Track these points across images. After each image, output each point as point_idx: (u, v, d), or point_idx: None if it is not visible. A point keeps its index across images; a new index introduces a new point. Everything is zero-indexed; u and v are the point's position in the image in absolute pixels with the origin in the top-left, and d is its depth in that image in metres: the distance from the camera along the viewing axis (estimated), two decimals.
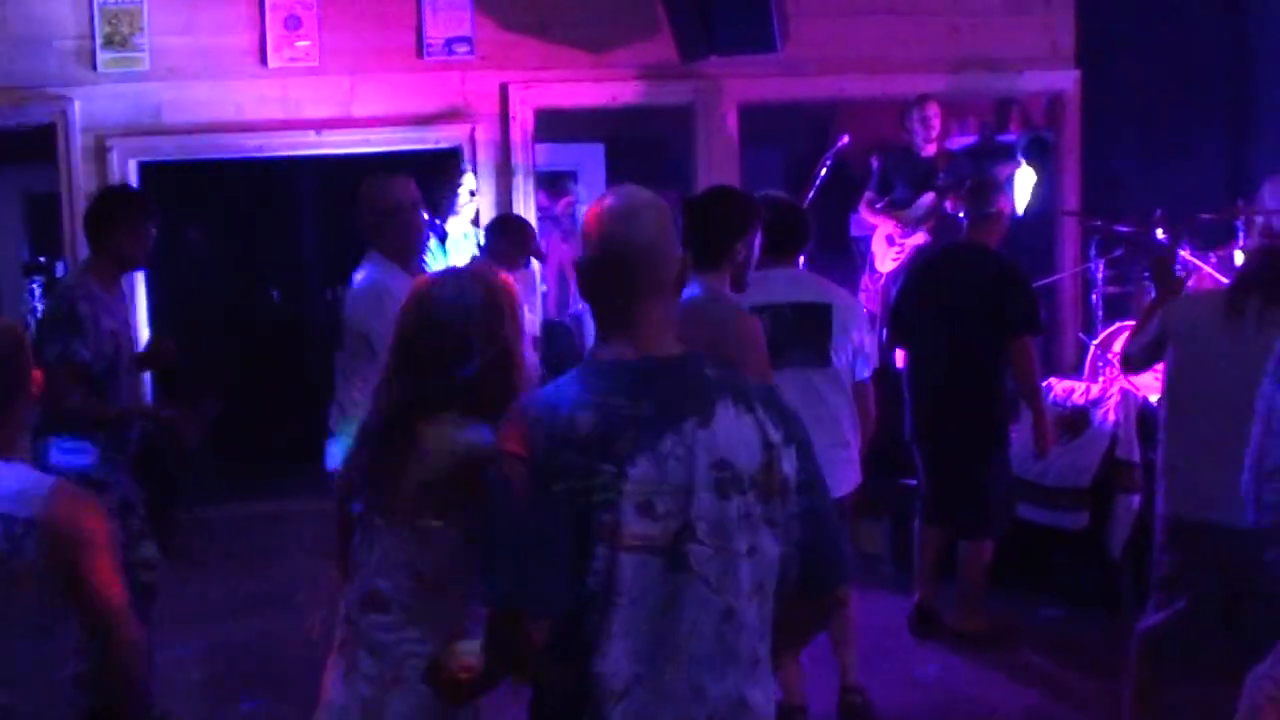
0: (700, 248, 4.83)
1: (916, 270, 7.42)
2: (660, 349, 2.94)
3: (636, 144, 11.49)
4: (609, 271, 2.95)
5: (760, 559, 2.91)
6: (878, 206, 9.87)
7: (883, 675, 6.54)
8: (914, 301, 7.13)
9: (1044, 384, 7.72)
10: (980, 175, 7.89)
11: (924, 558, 7.40)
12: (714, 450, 2.85)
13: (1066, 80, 10.34)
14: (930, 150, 9.76)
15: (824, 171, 9.48)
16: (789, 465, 2.94)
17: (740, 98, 9.79)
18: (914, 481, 7.51)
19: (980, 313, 6.95)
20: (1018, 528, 7.35)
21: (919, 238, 9.68)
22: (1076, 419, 7.47)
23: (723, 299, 5.01)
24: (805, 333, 5.87)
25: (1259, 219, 8.76)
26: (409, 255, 6.06)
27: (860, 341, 5.98)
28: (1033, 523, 7.54)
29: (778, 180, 10.43)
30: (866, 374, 6.04)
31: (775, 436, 2.92)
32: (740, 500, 2.87)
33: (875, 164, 10.02)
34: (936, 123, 9.65)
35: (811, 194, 9.36)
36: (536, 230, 8.73)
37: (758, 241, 5.20)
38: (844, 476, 5.87)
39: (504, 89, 9.48)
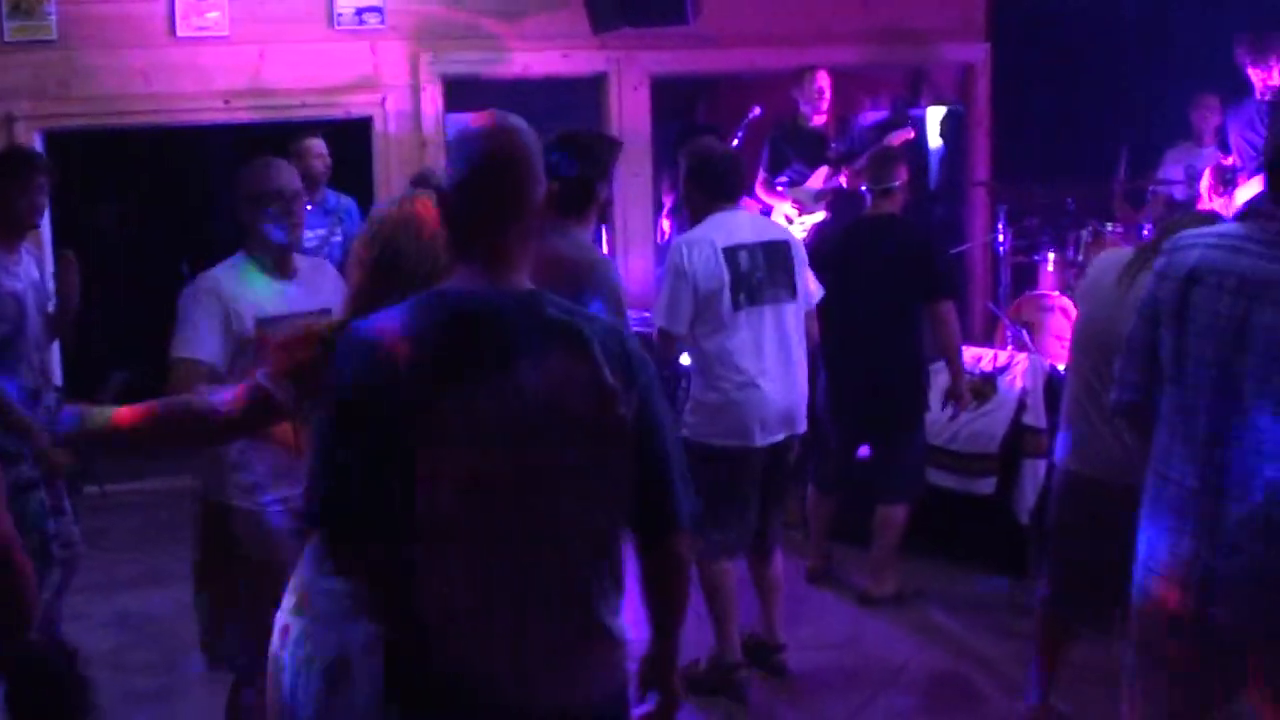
0: (564, 191, 4.92)
1: (824, 246, 7.47)
2: (509, 283, 2.86)
3: (548, 115, 11.46)
4: (475, 191, 2.86)
5: (594, 505, 2.86)
6: (778, 185, 9.82)
7: (793, 637, 6.60)
8: (826, 278, 7.21)
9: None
10: (878, 148, 7.95)
11: (818, 525, 7.59)
12: (548, 390, 2.78)
13: (977, 52, 10.44)
14: (819, 121, 9.77)
15: (735, 144, 9.50)
16: (626, 409, 2.86)
17: (652, 69, 9.82)
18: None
19: (896, 282, 7.04)
20: (928, 493, 7.45)
21: (818, 216, 9.68)
22: (984, 386, 7.55)
23: (585, 246, 5.07)
24: (776, 269, 6.09)
25: (1160, 189, 8.93)
26: (271, 255, 4.86)
27: (807, 275, 6.29)
28: (943, 488, 7.63)
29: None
30: (814, 304, 6.34)
31: (612, 380, 2.84)
32: (574, 443, 2.81)
33: (766, 141, 9.92)
34: (827, 94, 9.64)
35: None
36: None
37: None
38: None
39: (415, 59, 9.46)
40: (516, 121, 2.92)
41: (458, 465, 2.72)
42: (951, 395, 7.19)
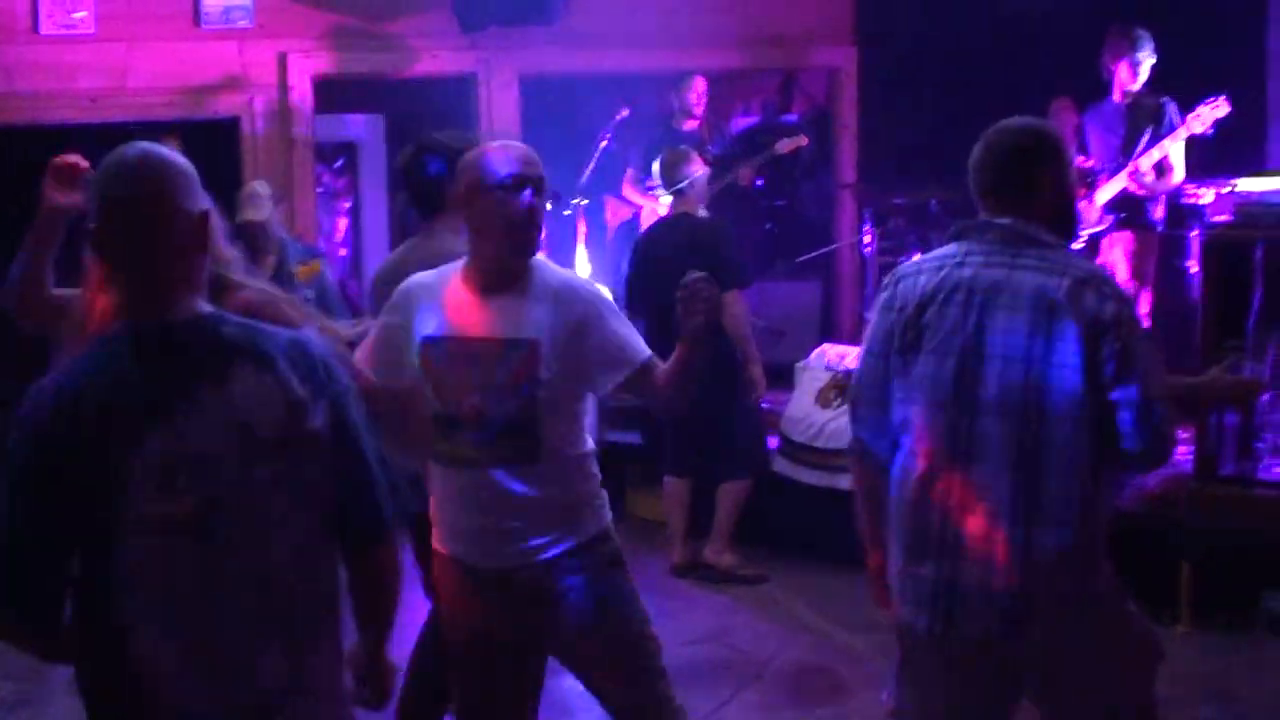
0: (430, 193, 4.90)
1: (637, 248, 7.93)
2: (175, 311, 2.78)
3: (418, 116, 11.46)
4: (113, 223, 2.79)
5: (295, 522, 2.81)
6: (647, 185, 9.87)
7: (659, 632, 6.64)
8: (640, 275, 7.63)
9: (819, 348, 8.00)
10: (668, 154, 8.11)
11: (676, 512, 7.77)
12: (233, 413, 2.73)
13: (844, 57, 10.57)
14: (693, 126, 9.86)
15: (604, 144, 9.56)
16: (319, 421, 2.82)
17: (522, 69, 9.84)
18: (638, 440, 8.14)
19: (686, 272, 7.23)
20: (789, 489, 7.59)
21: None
22: (848, 383, 7.67)
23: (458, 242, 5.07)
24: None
25: None
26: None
27: None
28: (808, 485, 7.74)
29: (561, 154, 10.50)
30: None
31: (301, 392, 2.79)
32: (266, 464, 2.76)
33: (639, 144, 9.98)
34: (702, 100, 9.77)
35: (591, 165, 9.46)
36: (318, 206, 8.67)
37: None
38: None
39: (282, 58, 9.39)
40: (154, 154, 2.83)
41: (153, 507, 2.67)
42: (746, 383, 7.49)
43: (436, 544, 4.11)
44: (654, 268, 7.47)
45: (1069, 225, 3.80)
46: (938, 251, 3.78)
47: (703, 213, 7.80)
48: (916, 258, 3.92)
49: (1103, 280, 3.58)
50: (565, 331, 3.91)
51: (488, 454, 3.91)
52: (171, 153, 2.85)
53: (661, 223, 7.87)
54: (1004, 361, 3.53)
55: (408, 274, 4.23)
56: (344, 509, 2.90)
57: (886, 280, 3.87)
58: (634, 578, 6.31)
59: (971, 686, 3.76)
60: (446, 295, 4.00)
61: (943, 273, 3.66)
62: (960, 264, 3.65)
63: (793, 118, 11.92)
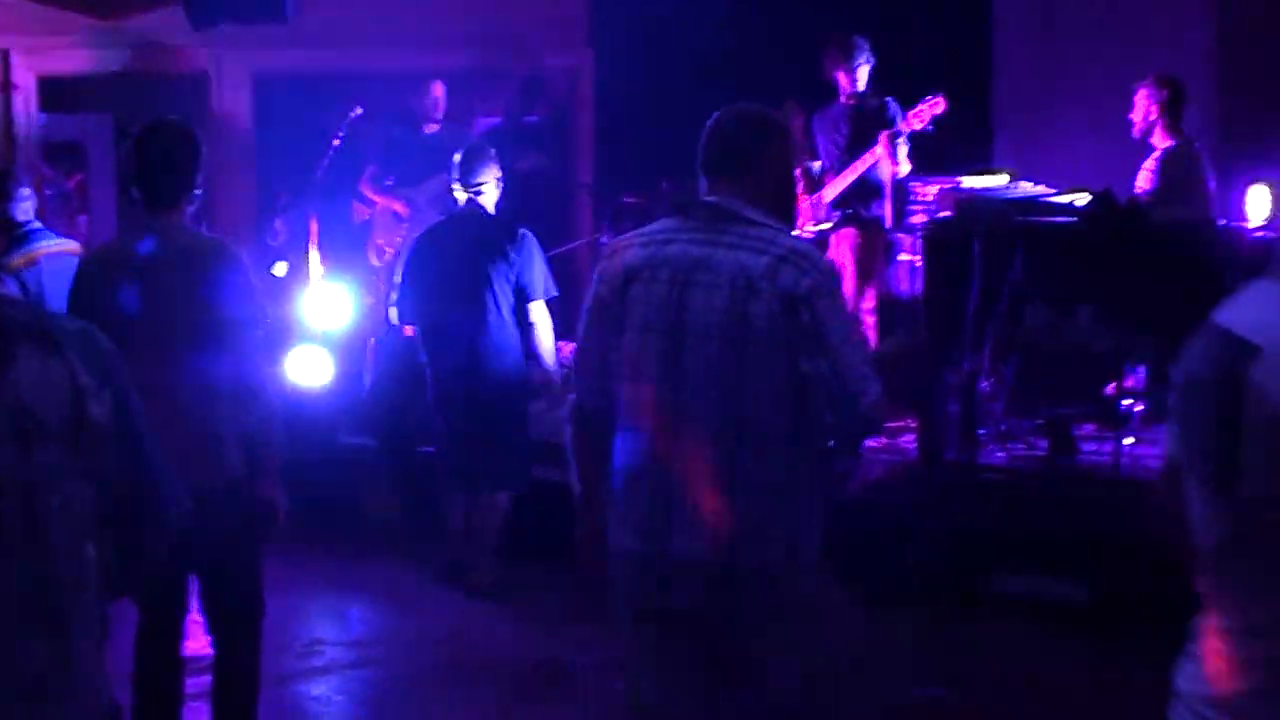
0: (153, 186, 4.79)
1: (420, 245, 7.57)
2: None
3: (149, 115, 11.21)
4: None
5: (74, 513, 2.72)
6: (387, 185, 9.86)
7: (398, 634, 6.63)
8: (423, 275, 7.31)
9: (556, 346, 8.00)
10: (469, 147, 8.05)
11: (454, 520, 7.60)
12: (15, 398, 2.63)
13: (580, 58, 10.64)
14: (433, 129, 9.83)
15: (337, 143, 9.48)
16: (100, 410, 2.74)
17: (255, 68, 9.70)
18: (430, 449, 7.73)
19: (489, 275, 7.15)
20: (543, 488, 7.60)
21: (432, 216, 9.67)
22: None
23: (191, 231, 4.93)
24: None
25: None
26: None
27: None
28: (551, 481, 7.75)
29: (293, 153, 10.40)
30: None
31: (86, 380, 2.71)
32: (46, 451, 2.67)
33: (380, 141, 9.92)
34: (440, 104, 9.74)
35: (325, 164, 9.37)
36: (44, 206, 8.38)
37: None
38: None
39: (5, 55, 9.12)
40: None
41: None
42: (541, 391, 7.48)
43: None
44: (446, 264, 7.27)
45: (787, 207, 3.86)
46: (650, 227, 3.83)
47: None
48: (629, 234, 3.93)
49: (803, 255, 3.61)
50: None
51: None
52: None
53: (458, 220, 7.49)
54: (705, 339, 3.58)
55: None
56: (121, 501, 2.83)
57: (605, 250, 3.93)
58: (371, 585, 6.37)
59: (683, 659, 3.81)
60: None
61: (649, 249, 3.71)
62: (668, 241, 3.70)
63: (534, 119, 11.94)
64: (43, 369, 2.67)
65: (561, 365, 7.71)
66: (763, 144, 3.77)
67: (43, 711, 2.71)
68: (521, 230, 7.42)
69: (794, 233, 3.77)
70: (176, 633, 4.95)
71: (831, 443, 3.68)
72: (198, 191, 4.92)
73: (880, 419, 3.66)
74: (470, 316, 7.21)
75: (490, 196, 7.34)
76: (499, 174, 7.38)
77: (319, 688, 6.32)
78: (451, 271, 7.22)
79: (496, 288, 7.17)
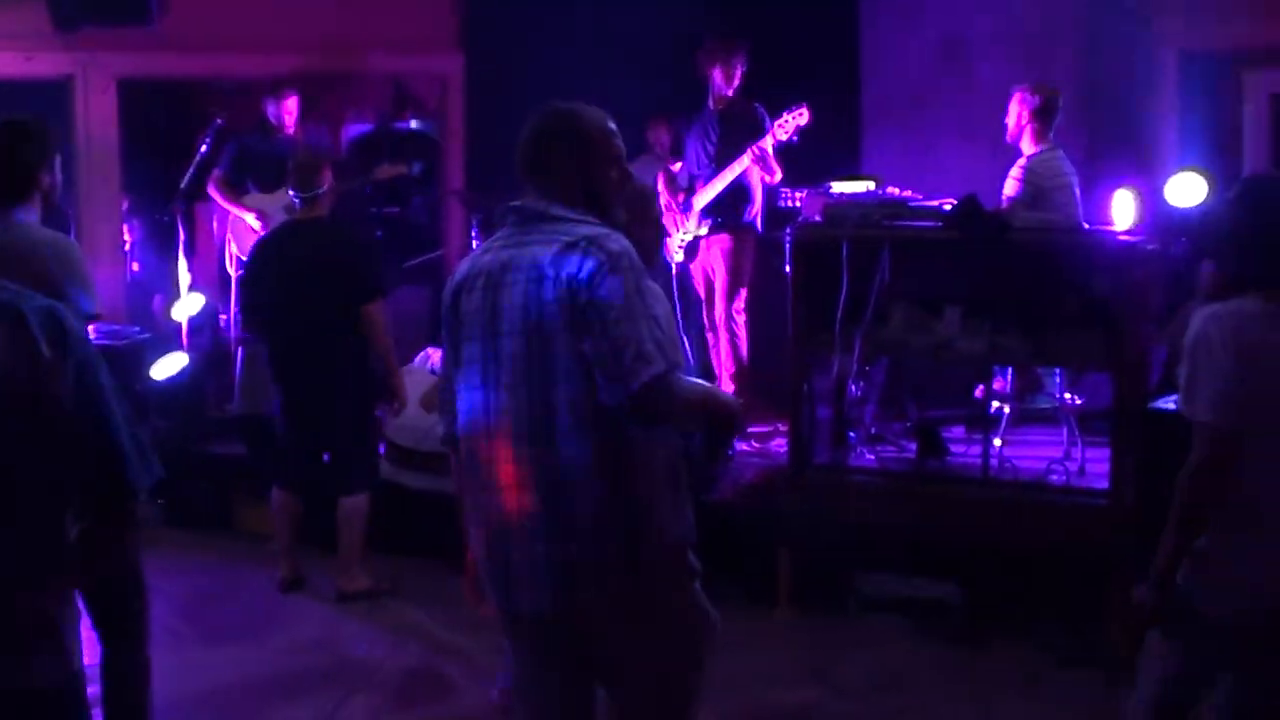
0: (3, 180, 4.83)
1: (259, 253, 7.61)
2: None
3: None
4: None
5: (33, 483, 2.85)
6: (237, 192, 9.70)
7: (267, 643, 6.55)
8: (263, 282, 7.39)
9: (423, 352, 7.99)
10: (304, 154, 8.02)
11: (285, 525, 7.57)
12: None
13: (450, 63, 10.59)
14: (285, 136, 9.73)
15: (203, 150, 9.37)
16: (63, 384, 2.87)
17: (120, 72, 9.54)
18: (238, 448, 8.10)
19: (325, 281, 7.23)
20: (396, 494, 7.56)
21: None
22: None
23: (31, 228, 4.89)
24: None
25: None
26: None
27: None
28: (411, 488, 7.72)
29: (156, 158, 10.27)
30: None
31: (49, 355, 2.85)
32: (11, 419, 2.80)
33: (232, 146, 9.72)
34: (293, 114, 9.67)
35: (190, 173, 9.27)
36: None
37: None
38: None
39: None
40: None
41: None
42: (388, 394, 7.44)
43: None
44: (286, 271, 7.29)
45: (605, 203, 3.81)
46: (495, 235, 3.82)
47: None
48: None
49: (591, 240, 3.57)
50: None
51: None
52: None
53: (296, 227, 7.52)
54: (510, 337, 3.60)
55: None
56: (91, 472, 2.94)
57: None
58: (240, 592, 6.28)
59: (545, 663, 3.82)
60: None
61: (471, 262, 3.78)
62: (486, 250, 3.76)
63: (406, 125, 11.89)
64: (9, 341, 2.81)
65: (432, 372, 7.69)
66: (560, 143, 3.77)
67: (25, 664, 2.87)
68: (353, 233, 7.65)
69: (609, 226, 3.71)
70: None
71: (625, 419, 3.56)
72: (46, 188, 4.91)
73: (657, 402, 3.50)
74: (307, 322, 7.26)
75: (324, 202, 7.41)
76: (331, 180, 7.47)
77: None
78: (287, 279, 7.27)
79: (330, 291, 7.20)
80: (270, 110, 9.64)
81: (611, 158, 3.81)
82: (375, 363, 7.35)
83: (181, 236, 9.77)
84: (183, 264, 9.73)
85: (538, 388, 3.56)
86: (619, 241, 3.60)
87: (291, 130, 9.75)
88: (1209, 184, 7.20)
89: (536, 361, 3.56)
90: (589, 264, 3.50)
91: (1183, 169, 7.50)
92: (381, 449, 7.90)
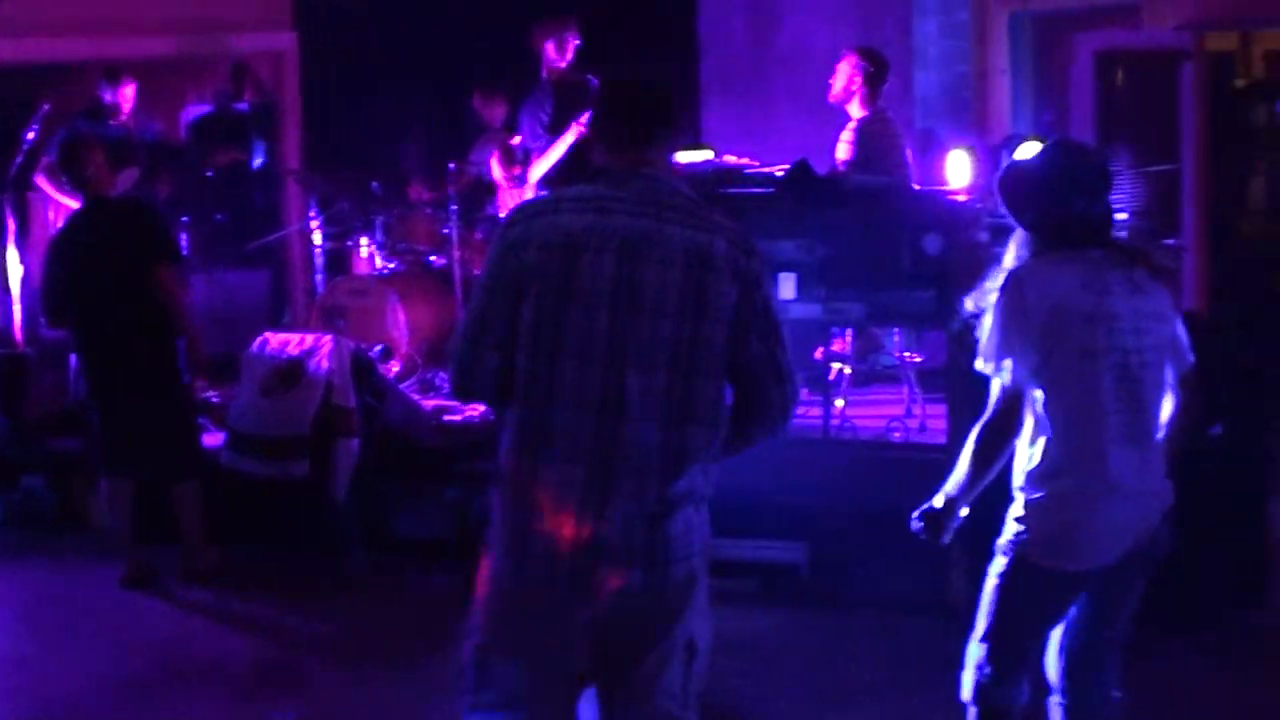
0: None
1: (59, 242, 7.49)
2: None
3: None
4: None
5: None
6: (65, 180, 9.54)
7: (114, 642, 6.47)
8: (66, 268, 7.27)
9: (261, 337, 7.90)
10: (62, 147, 7.93)
11: (121, 515, 7.39)
12: None
13: (285, 42, 10.47)
14: (120, 121, 9.59)
15: (30, 137, 9.21)
16: None
17: None
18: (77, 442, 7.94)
19: (114, 256, 7.15)
20: (240, 483, 7.49)
21: None
22: (293, 369, 7.60)
23: None
24: None
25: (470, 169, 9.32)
26: None
27: None
28: (255, 475, 7.63)
29: None
30: None
31: None
32: None
33: (63, 133, 9.42)
34: (130, 100, 9.54)
35: (18, 161, 9.12)
36: None
37: None
38: None
39: None
40: None
41: None
42: (191, 364, 7.30)
43: None
44: (79, 251, 7.21)
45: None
46: (576, 190, 3.59)
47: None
48: (545, 197, 3.78)
49: (747, 237, 3.54)
50: None
51: None
52: None
53: (86, 212, 7.40)
54: (656, 315, 3.42)
55: None
56: None
57: (514, 216, 3.63)
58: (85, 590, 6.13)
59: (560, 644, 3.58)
60: None
61: (587, 218, 3.49)
62: (583, 208, 3.50)
63: (244, 106, 11.72)
64: None
65: (271, 357, 7.60)
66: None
67: None
68: (135, 204, 7.63)
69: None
70: None
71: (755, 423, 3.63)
72: None
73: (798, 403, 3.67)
74: (109, 305, 7.17)
75: (101, 182, 7.32)
76: (100, 159, 7.34)
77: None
78: (77, 263, 7.20)
79: (119, 262, 7.13)
80: (106, 95, 9.49)
81: None
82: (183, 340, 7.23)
83: (11, 226, 9.58)
84: (12, 254, 9.53)
85: (681, 375, 3.43)
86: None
87: (127, 115, 9.59)
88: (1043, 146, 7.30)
89: (684, 347, 3.42)
90: (755, 265, 3.48)
91: (1030, 137, 7.54)
92: (224, 437, 7.79)
